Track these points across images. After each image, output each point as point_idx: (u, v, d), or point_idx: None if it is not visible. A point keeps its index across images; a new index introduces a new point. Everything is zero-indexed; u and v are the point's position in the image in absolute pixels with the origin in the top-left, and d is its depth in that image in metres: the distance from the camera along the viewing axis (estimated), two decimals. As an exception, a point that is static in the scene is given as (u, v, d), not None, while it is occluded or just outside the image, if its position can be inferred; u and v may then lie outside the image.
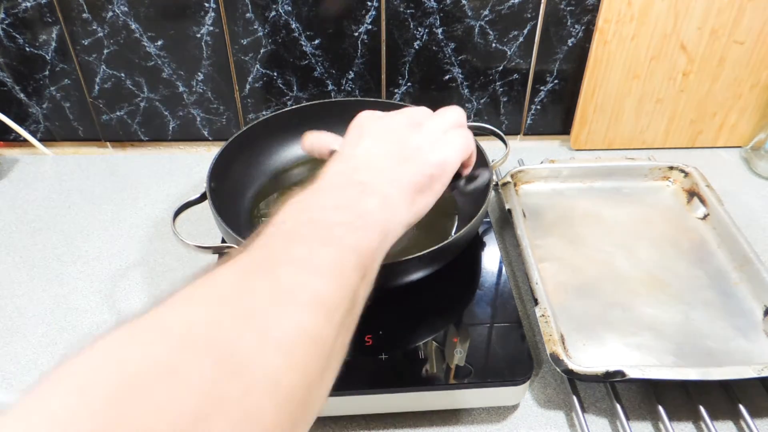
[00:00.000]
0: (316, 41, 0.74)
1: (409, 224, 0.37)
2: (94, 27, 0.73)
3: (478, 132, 0.59)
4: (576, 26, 0.74)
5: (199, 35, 0.74)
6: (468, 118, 0.64)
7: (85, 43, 0.74)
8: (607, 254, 0.62)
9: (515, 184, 0.70)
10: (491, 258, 0.61)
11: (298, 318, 0.25)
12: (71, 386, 0.20)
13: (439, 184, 0.38)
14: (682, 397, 0.51)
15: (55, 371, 0.20)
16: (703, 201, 0.67)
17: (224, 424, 0.20)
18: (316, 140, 0.46)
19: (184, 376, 0.21)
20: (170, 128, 0.82)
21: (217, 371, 0.21)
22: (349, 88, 0.79)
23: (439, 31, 0.74)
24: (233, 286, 0.26)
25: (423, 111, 0.41)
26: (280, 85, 0.78)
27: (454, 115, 0.41)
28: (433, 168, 0.37)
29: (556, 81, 0.79)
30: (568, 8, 0.73)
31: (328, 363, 0.27)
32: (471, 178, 0.42)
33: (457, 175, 0.40)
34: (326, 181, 0.35)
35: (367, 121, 0.40)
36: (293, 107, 0.69)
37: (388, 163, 0.37)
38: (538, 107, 0.82)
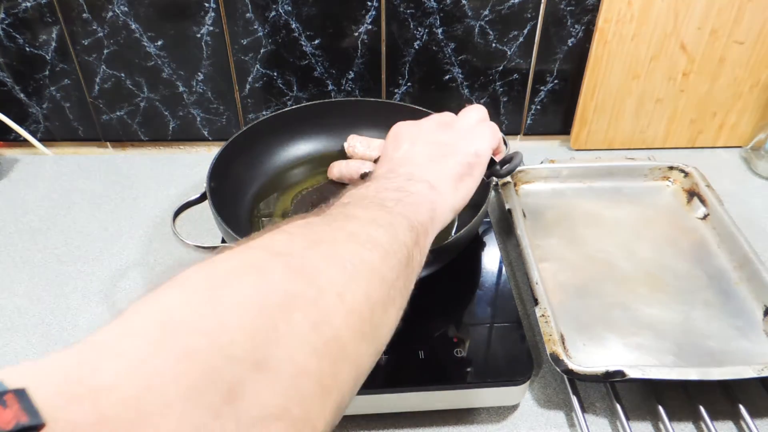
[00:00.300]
0: (316, 41, 0.74)
1: (456, 209, 0.40)
2: (94, 27, 0.73)
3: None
4: (576, 26, 0.74)
5: (199, 35, 0.74)
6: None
7: (85, 43, 0.74)
8: (607, 254, 0.62)
9: (515, 184, 0.70)
10: (491, 258, 0.61)
11: (359, 252, 0.29)
12: (169, 286, 0.24)
13: (477, 170, 0.42)
14: (682, 397, 0.51)
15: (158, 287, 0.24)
16: (703, 201, 0.67)
17: (302, 318, 0.24)
18: (345, 167, 0.51)
19: (267, 274, 0.25)
20: (170, 128, 0.82)
21: (292, 274, 0.26)
22: (349, 88, 0.79)
23: (439, 31, 0.74)
24: (300, 229, 0.30)
25: (449, 114, 0.46)
26: (280, 85, 0.78)
27: (478, 112, 0.45)
28: (469, 157, 0.42)
29: (556, 81, 0.79)
30: (568, 8, 0.73)
31: (389, 297, 0.30)
32: (504, 162, 0.46)
33: (492, 162, 0.45)
34: (376, 176, 0.40)
35: (402, 129, 0.45)
36: (293, 107, 0.69)
37: (428, 160, 0.41)
38: (538, 107, 0.82)
